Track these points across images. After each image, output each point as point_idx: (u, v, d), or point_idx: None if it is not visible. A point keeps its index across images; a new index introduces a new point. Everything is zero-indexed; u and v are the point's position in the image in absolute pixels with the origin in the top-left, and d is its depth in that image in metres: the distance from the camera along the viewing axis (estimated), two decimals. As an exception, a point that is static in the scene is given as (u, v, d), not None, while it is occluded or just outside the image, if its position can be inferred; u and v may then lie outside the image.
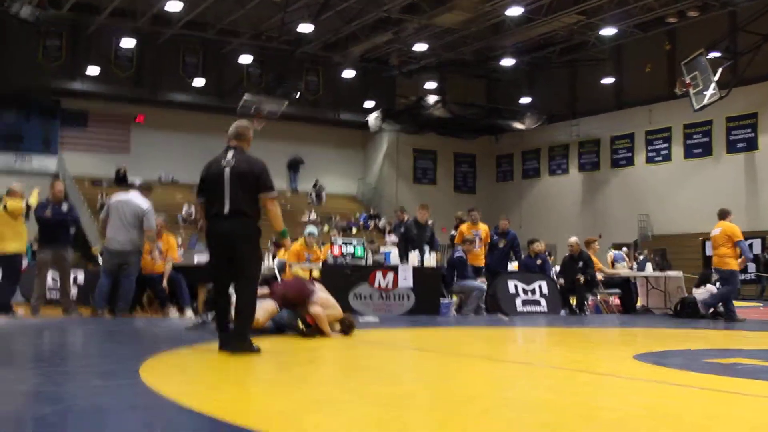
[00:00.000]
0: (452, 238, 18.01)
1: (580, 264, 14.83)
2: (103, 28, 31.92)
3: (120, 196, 11.39)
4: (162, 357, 6.41)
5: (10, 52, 32.00)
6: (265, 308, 8.14)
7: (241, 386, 5.04)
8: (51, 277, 13.37)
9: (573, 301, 14.98)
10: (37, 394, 4.66)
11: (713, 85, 26.93)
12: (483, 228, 14.91)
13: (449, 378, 5.85)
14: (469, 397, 4.84)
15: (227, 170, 6.83)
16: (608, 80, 35.73)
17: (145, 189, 11.92)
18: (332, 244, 13.43)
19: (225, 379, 5.33)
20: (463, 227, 15.05)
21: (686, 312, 13.71)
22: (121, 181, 32.23)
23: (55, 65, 32.93)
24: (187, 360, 6.55)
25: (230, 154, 6.94)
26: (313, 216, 35.79)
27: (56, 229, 11.64)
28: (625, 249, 30.41)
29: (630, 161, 35.54)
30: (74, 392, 4.76)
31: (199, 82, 35.30)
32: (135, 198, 11.38)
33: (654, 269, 16.10)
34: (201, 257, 13.36)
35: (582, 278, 14.53)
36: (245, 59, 35.17)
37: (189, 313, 11.87)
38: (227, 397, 4.55)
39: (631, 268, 18.52)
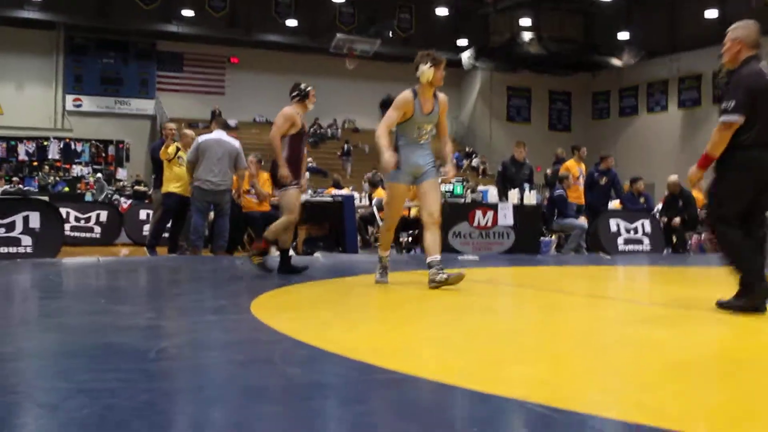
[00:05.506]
0: (546, 176, 17.75)
1: (680, 203, 14.43)
2: (197, -31, 32.18)
3: (210, 136, 11.23)
4: (271, 294, 6.45)
5: (109, -3, 32.58)
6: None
7: (352, 323, 5.03)
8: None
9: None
10: (153, 328, 4.73)
11: (828, 18, 25.61)
12: (583, 166, 14.69)
13: (557, 315, 5.74)
14: (583, 333, 4.75)
15: None
16: (711, 13, 34.39)
17: (232, 129, 11.88)
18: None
19: (336, 317, 5.31)
20: (569, 164, 14.77)
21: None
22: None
23: (152, 8, 33.30)
24: (296, 297, 6.59)
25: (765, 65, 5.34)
26: (406, 155, 35.74)
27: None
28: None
29: (734, 97, 34.28)
30: (190, 327, 4.81)
31: (291, 22, 35.29)
32: (224, 137, 11.31)
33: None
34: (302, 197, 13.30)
35: (678, 219, 14.12)
36: (338, -2, 35.02)
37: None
38: (339, 333, 4.54)
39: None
